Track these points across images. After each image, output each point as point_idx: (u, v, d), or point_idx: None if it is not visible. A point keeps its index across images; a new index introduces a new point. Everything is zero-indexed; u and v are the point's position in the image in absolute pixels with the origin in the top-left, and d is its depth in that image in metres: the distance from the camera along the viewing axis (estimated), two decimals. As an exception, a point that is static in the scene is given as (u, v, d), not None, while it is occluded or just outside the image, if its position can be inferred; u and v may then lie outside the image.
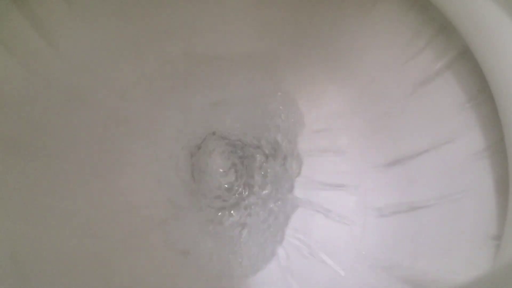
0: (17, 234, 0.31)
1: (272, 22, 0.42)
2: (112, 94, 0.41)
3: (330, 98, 0.45)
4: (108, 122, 0.41)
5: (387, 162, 0.40)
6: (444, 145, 0.34)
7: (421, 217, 0.35)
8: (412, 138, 0.37)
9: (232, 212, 0.48)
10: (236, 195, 0.49)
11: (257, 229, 0.46)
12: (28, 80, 0.34)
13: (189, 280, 0.40)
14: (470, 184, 0.31)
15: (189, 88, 0.45)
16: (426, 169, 0.35)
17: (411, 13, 0.36)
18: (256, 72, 0.45)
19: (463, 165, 0.32)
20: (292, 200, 0.46)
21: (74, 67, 0.37)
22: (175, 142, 0.46)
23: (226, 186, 0.50)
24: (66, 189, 0.37)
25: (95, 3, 0.36)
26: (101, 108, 0.40)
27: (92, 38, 0.38)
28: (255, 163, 0.52)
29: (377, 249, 0.38)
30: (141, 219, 0.41)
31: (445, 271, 0.31)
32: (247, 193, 0.50)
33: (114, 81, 0.41)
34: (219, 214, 0.47)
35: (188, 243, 0.43)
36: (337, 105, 0.45)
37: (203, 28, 0.42)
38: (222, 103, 0.47)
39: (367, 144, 0.42)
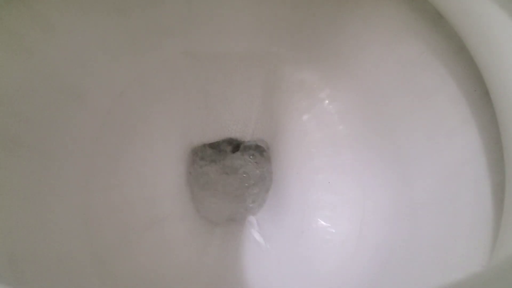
0: (14, 233, 0.31)
1: (271, 20, 0.42)
2: (110, 93, 0.41)
3: (328, 97, 0.45)
4: (105, 121, 0.40)
5: (385, 162, 0.40)
6: (442, 146, 0.34)
7: (418, 217, 0.35)
8: (410, 139, 0.37)
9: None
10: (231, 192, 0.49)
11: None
12: (26, 76, 0.34)
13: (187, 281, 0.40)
14: (467, 184, 0.31)
15: (188, 86, 0.45)
16: (424, 170, 0.36)
17: (409, 13, 0.36)
18: (254, 70, 0.45)
19: (460, 165, 0.32)
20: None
21: (72, 64, 0.37)
22: (173, 141, 0.46)
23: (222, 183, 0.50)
24: (64, 188, 0.36)
25: (95, 0, 0.36)
26: (99, 107, 0.40)
27: (90, 36, 0.37)
28: (253, 162, 0.52)
29: (374, 248, 0.38)
30: (138, 217, 0.41)
31: (442, 270, 0.31)
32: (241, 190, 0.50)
33: (112, 79, 0.41)
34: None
35: (187, 241, 0.43)
36: (335, 104, 0.45)
37: (201, 26, 0.42)
38: (221, 101, 0.47)
39: (365, 144, 0.42)
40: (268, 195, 0.49)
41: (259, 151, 0.52)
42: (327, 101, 0.45)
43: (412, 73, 0.36)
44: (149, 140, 0.43)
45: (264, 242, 0.44)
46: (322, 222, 0.43)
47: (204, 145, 0.51)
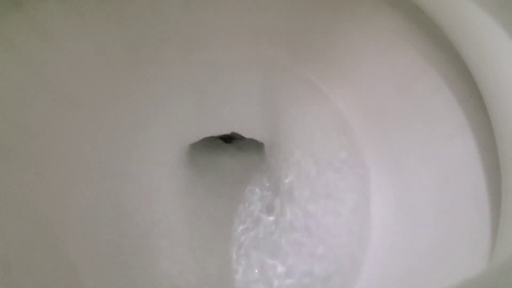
0: (10, 244, 0.31)
1: (268, 28, 0.43)
2: (108, 101, 0.41)
3: (325, 104, 0.46)
4: (103, 129, 0.40)
5: (383, 168, 0.41)
6: (439, 151, 0.34)
7: (416, 222, 0.35)
8: (407, 144, 0.37)
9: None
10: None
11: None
12: (23, 85, 0.34)
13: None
14: (464, 188, 0.32)
15: (186, 92, 0.45)
16: (422, 175, 0.36)
17: (404, 22, 0.36)
18: (252, 76, 0.46)
19: (457, 170, 0.32)
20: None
21: (69, 73, 0.37)
22: (171, 146, 0.45)
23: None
24: (61, 197, 0.36)
25: (93, 9, 0.36)
26: (96, 115, 0.40)
27: (88, 44, 0.38)
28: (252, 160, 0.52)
29: (373, 253, 0.38)
30: (136, 224, 0.40)
31: (441, 274, 0.31)
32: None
33: (110, 87, 0.41)
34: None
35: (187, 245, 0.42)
36: (332, 111, 0.45)
37: (199, 34, 0.42)
38: (219, 105, 0.47)
39: (363, 149, 0.43)
40: (267, 195, 0.48)
41: (257, 150, 0.52)
42: (324, 108, 0.46)
43: (408, 80, 0.37)
44: (146, 146, 0.43)
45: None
46: (321, 226, 0.43)
47: (203, 146, 0.51)
